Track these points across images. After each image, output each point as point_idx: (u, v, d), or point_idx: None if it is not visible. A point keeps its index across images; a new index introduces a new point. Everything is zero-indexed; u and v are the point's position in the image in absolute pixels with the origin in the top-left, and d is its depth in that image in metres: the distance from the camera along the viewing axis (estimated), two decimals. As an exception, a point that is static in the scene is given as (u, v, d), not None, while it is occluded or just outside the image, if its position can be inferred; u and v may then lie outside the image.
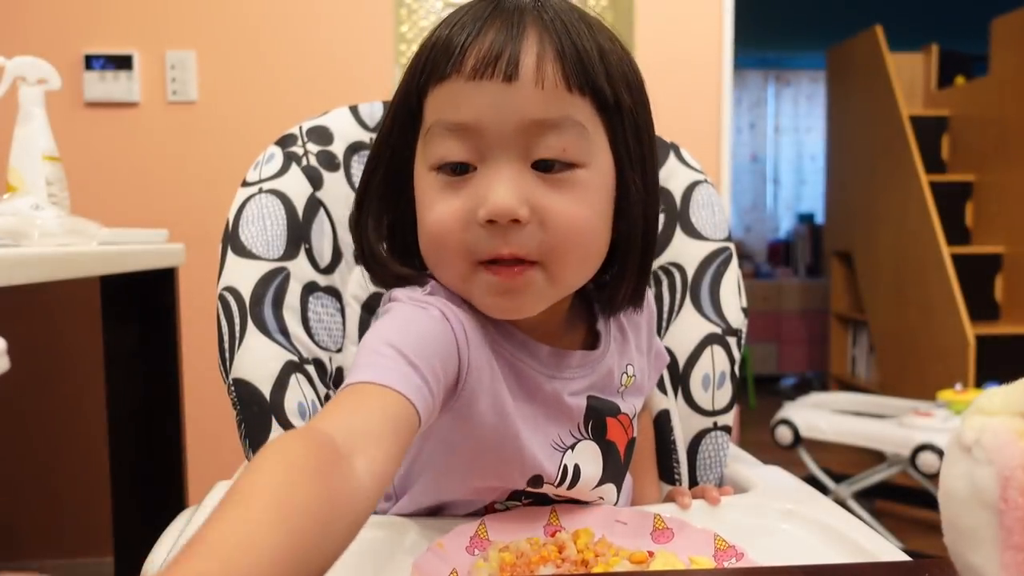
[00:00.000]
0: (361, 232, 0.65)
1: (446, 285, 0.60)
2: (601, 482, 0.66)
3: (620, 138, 0.58)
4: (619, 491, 0.69)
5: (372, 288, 0.87)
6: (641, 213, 0.60)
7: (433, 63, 0.57)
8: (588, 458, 0.65)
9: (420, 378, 0.51)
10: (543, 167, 0.56)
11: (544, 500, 0.67)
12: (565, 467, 0.63)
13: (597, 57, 0.56)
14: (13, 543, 1.88)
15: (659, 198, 0.65)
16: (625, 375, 0.69)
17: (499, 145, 0.55)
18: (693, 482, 0.82)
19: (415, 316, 0.57)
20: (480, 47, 0.54)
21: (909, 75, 3.72)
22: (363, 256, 0.65)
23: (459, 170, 0.57)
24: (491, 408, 0.59)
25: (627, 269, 0.62)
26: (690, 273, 0.87)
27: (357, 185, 0.88)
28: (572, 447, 0.64)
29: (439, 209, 0.57)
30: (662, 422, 0.86)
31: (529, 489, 0.63)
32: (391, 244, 0.65)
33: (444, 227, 0.57)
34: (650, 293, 0.79)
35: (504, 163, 0.55)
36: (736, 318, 0.86)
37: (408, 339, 0.53)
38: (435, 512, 0.67)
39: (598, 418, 0.66)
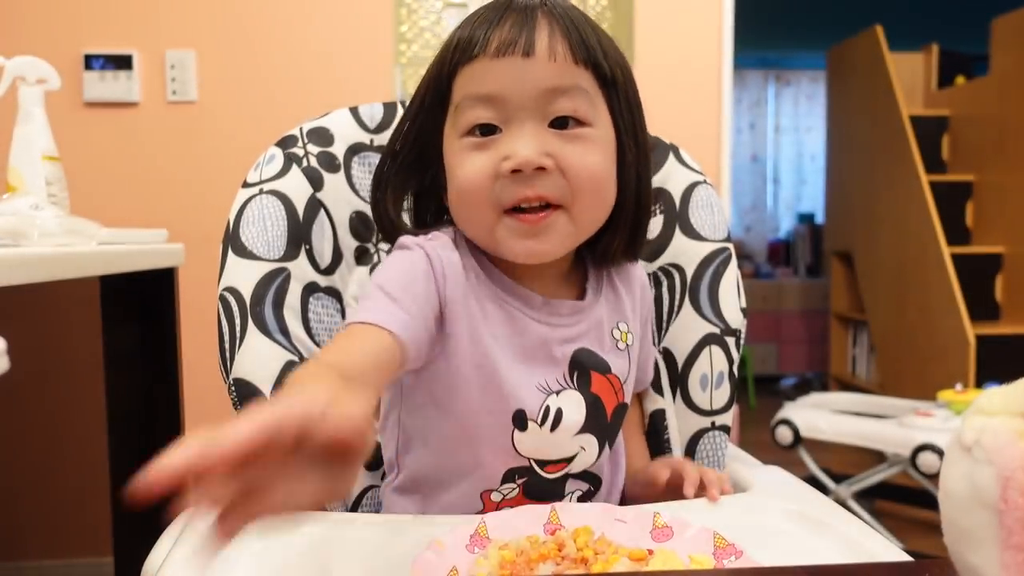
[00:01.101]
0: (381, 204, 0.74)
1: (473, 239, 0.69)
2: (583, 431, 0.70)
3: (617, 107, 0.68)
4: (602, 449, 0.72)
5: None
6: (635, 174, 0.70)
7: (461, 50, 0.66)
8: (572, 406, 0.70)
9: (401, 309, 0.61)
10: (559, 124, 0.65)
11: (537, 492, 0.69)
12: (548, 407, 0.69)
13: (596, 41, 0.66)
14: (13, 543, 1.88)
15: (650, 163, 0.74)
16: (618, 330, 0.75)
17: (521, 109, 0.64)
18: (693, 482, 0.82)
19: (398, 258, 0.68)
20: (501, 33, 0.64)
21: (909, 75, 3.72)
22: (382, 226, 0.75)
23: (486, 131, 0.66)
24: (469, 341, 0.67)
25: (620, 223, 0.70)
26: (689, 273, 0.87)
27: (358, 186, 0.90)
28: (557, 393, 0.70)
29: (468, 166, 0.66)
30: (656, 421, 0.86)
31: (521, 455, 0.68)
32: (415, 213, 0.75)
33: (474, 181, 0.65)
34: (649, 289, 0.82)
35: (527, 123, 0.64)
36: (735, 318, 0.86)
37: (391, 276, 0.64)
38: (433, 490, 0.71)
39: (583, 370, 0.71)
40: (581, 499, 0.73)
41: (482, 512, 0.69)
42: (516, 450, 0.69)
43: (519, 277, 0.70)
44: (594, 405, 0.71)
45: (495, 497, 0.70)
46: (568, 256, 0.72)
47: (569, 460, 0.71)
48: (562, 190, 0.64)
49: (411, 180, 0.74)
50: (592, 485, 0.74)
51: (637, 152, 0.69)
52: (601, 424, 0.72)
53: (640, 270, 0.82)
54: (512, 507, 0.67)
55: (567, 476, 0.72)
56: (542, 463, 0.70)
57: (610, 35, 0.70)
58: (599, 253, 0.73)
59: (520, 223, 0.65)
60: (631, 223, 0.71)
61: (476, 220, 0.67)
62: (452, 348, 0.67)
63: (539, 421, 0.68)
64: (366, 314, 0.59)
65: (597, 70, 0.66)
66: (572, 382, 0.71)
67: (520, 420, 0.68)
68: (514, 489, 0.70)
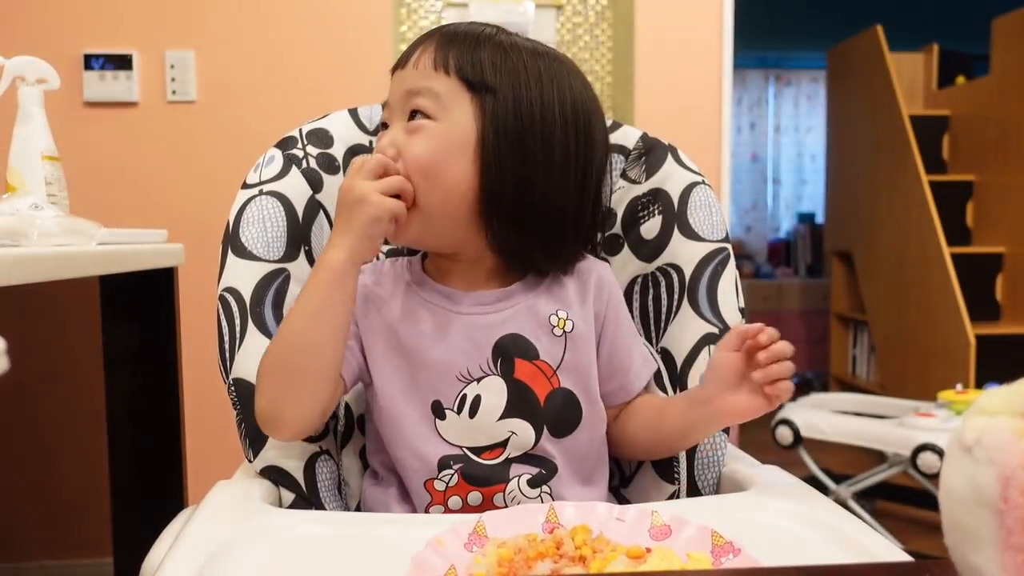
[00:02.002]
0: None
1: None
2: (507, 415, 0.75)
3: (489, 110, 0.73)
4: (540, 433, 0.75)
5: None
6: (512, 175, 0.73)
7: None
8: (492, 392, 0.75)
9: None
10: (410, 118, 0.74)
11: (477, 478, 0.74)
12: (465, 395, 0.75)
13: (472, 55, 0.74)
14: (13, 543, 1.88)
15: (573, 177, 0.76)
16: (556, 316, 0.77)
17: (393, 109, 0.76)
18: (692, 482, 0.82)
19: None
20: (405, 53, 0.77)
21: (909, 75, 3.72)
22: None
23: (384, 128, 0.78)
24: (386, 347, 0.76)
25: (497, 219, 0.74)
26: (688, 274, 0.87)
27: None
28: (479, 380, 0.75)
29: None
30: None
31: (450, 443, 0.74)
32: None
33: None
34: (614, 287, 0.83)
35: (394, 121, 0.76)
36: (734, 318, 0.86)
37: None
38: (392, 484, 0.78)
39: (507, 356, 0.76)
40: (531, 482, 0.75)
41: (432, 502, 0.74)
42: (443, 438, 0.75)
43: (443, 277, 0.79)
44: (517, 390, 0.75)
45: (438, 486, 0.74)
46: (490, 254, 0.78)
47: (503, 444, 0.75)
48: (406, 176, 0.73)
49: None
50: (543, 468, 0.75)
51: (513, 151, 0.73)
52: (531, 410, 0.75)
53: (602, 268, 0.83)
54: (457, 494, 0.74)
55: (508, 460, 0.75)
56: (476, 450, 0.75)
57: (548, 58, 0.77)
58: (521, 261, 0.78)
59: None
60: (512, 222, 0.75)
61: None
62: (373, 357, 0.76)
63: (455, 409, 0.75)
64: None
65: (459, 74, 0.73)
66: (495, 368, 0.76)
67: (438, 409, 0.75)
68: (453, 475, 0.74)
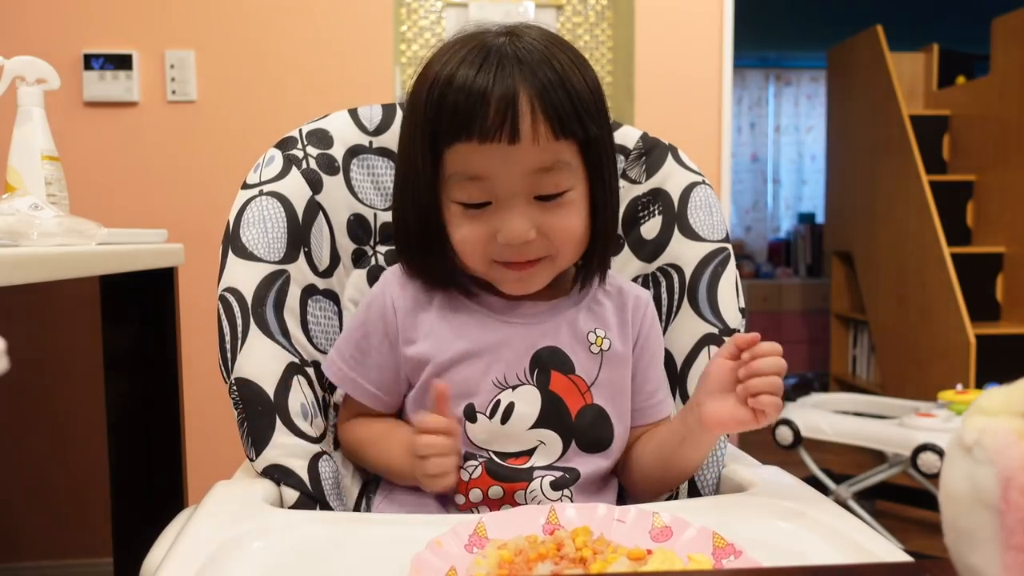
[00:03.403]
0: (409, 252, 0.81)
1: (471, 271, 0.77)
2: (537, 425, 0.75)
3: (593, 161, 0.74)
4: (567, 446, 0.76)
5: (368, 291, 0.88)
6: (604, 208, 0.77)
7: (446, 128, 0.70)
8: (526, 400, 0.76)
9: (364, 380, 0.80)
10: (543, 198, 0.72)
11: (501, 474, 0.74)
12: (499, 401, 0.76)
13: (572, 107, 0.70)
14: (13, 543, 1.88)
15: (617, 192, 0.81)
16: (594, 334, 0.79)
17: (509, 188, 0.71)
18: (692, 482, 0.82)
19: (360, 310, 0.82)
20: (485, 116, 0.68)
21: (910, 75, 3.72)
22: (411, 268, 0.81)
23: (480, 205, 0.73)
24: (426, 350, 0.77)
25: (596, 246, 0.78)
26: (688, 274, 0.87)
27: (356, 188, 0.90)
28: (514, 388, 0.76)
29: (465, 231, 0.74)
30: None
31: (477, 445, 0.75)
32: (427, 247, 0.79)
33: (470, 243, 0.74)
34: (650, 312, 0.84)
35: (515, 201, 0.71)
36: (734, 318, 0.86)
37: (352, 334, 0.81)
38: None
39: (544, 368, 0.77)
40: (554, 484, 0.75)
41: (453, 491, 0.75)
42: (470, 440, 0.76)
43: (489, 286, 0.79)
44: (551, 402, 0.76)
45: (461, 475, 0.75)
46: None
47: (529, 453, 0.75)
48: (547, 249, 0.74)
49: (422, 237, 0.78)
50: (567, 473, 0.76)
51: (605, 189, 0.76)
52: (563, 422, 0.76)
53: (640, 291, 0.85)
54: (479, 487, 0.75)
55: (532, 468, 0.75)
56: (501, 455, 0.75)
57: (577, 61, 0.74)
58: (580, 270, 0.81)
59: (511, 271, 0.75)
60: (604, 246, 0.79)
61: (472, 266, 0.76)
62: (411, 352, 0.78)
63: (488, 414, 0.75)
64: (347, 385, 0.81)
65: (577, 138, 0.72)
66: (531, 378, 0.76)
67: (469, 412, 0.76)
68: (477, 467, 0.75)
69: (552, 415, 0.76)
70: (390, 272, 0.83)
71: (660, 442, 0.79)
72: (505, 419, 0.75)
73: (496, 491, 0.75)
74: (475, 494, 0.75)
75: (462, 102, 0.69)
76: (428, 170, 0.73)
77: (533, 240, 0.72)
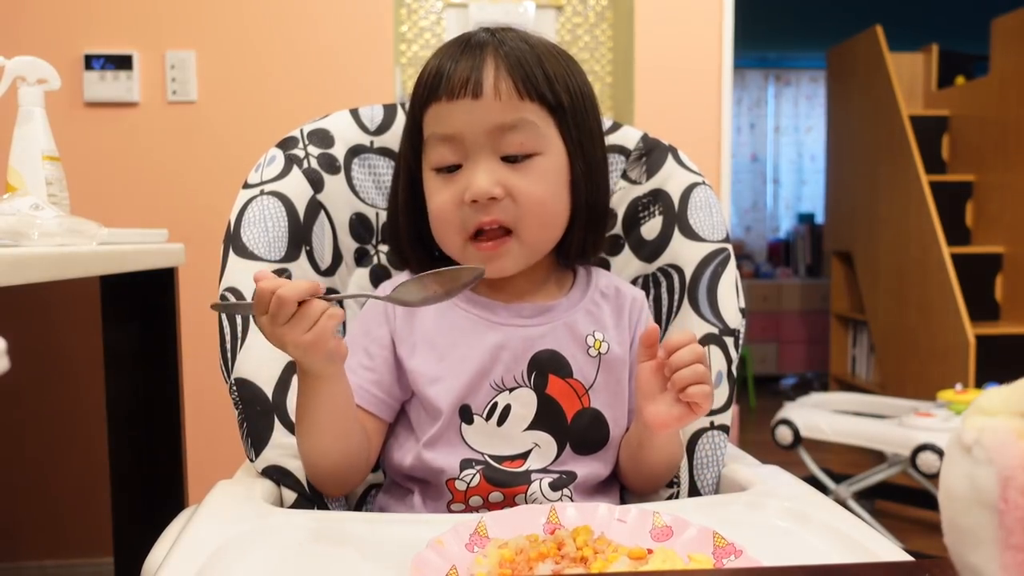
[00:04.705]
0: (397, 237, 0.83)
1: (450, 256, 0.79)
2: (533, 427, 0.76)
3: (567, 128, 0.75)
4: (562, 449, 0.77)
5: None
6: (584, 185, 0.77)
7: (426, 91, 0.76)
8: (522, 402, 0.76)
9: (371, 384, 0.77)
10: (510, 160, 0.74)
11: (499, 479, 0.74)
12: (495, 403, 0.76)
13: (542, 74, 0.73)
14: (13, 543, 1.88)
15: (606, 167, 0.82)
16: (593, 337, 0.79)
17: (475, 143, 0.73)
18: (692, 482, 0.82)
19: (363, 316, 0.82)
20: (454, 75, 0.73)
21: (909, 75, 3.72)
22: (400, 256, 0.85)
23: (451, 169, 0.75)
24: (424, 355, 0.77)
25: (575, 225, 0.78)
26: (688, 274, 0.87)
27: (358, 187, 0.90)
28: (511, 390, 0.77)
29: (438, 197, 0.76)
30: None
31: (473, 448, 0.75)
32: (416, 235, 0.82)
33: (443, 209, 0.76)
34: (647, 309, 0.84)
35: (481, 158, 0.73)
36: (734, 318, 0.86)
37: (356, 338, 0.80)
38: (409, 483, 0.78)
39: (541, 371, 0.77)
40: (552, 485, 0.75)
41: (452, 500, 0.75)
42: (466, 443, 0.75)
43: (487, 288, 0.80)
44: (547, 405, 0.77)
45: (459, 485, 0.75)
46: (541, 265, 0.80)
47: (524, 456, 0.76)
48: (514, 214, 0.74)
49: (413, 210, 0.81)
50: (563, 475, 0.76)
51: (586, 163, 0.77)
52: (559, 425, 0.77)
53: (637, 293, 0.85)
54: (478, 494, 0.74)
55: (529, 471, 0.76)
56: (497, 459, 0.75)
57: (561, 51, 0.78)
58: (563, 252, 0.81)
59: (480, 251, 0.75)
60: (585, 225, 0.79)
61: (448, 244, 0.78)
62: (409, 363, 0.77)
63: (484, 415, 0.76)
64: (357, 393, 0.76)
65: (543, 100, 0.73)
66: (529, 381, 0.77)
67: (466, 414, 0.76)
68: (475, 476, 0.74)
69: (547, 417, 0.77)
70: (388, 282, 0.86)
71: (626, 444, 0.80)
72: (501, 421, 0.76)
73: (496, 496, 0.75)
74: (475, 500, 0.75)
75: (435, 72, 0.75)
76: (414, 142, 0.78)
77: (500, 199, 0.73)
